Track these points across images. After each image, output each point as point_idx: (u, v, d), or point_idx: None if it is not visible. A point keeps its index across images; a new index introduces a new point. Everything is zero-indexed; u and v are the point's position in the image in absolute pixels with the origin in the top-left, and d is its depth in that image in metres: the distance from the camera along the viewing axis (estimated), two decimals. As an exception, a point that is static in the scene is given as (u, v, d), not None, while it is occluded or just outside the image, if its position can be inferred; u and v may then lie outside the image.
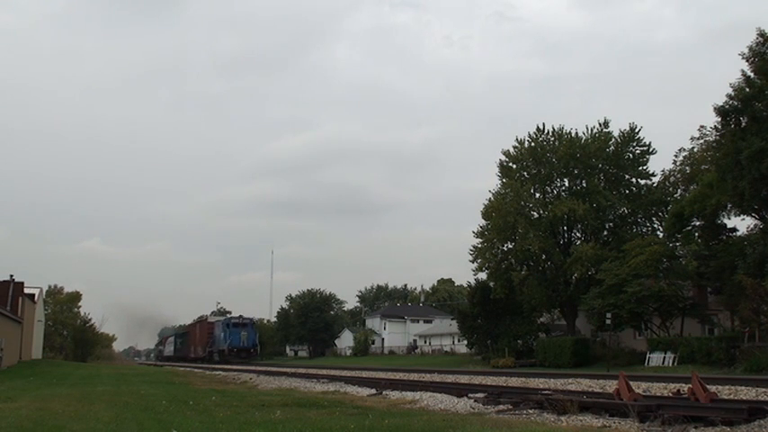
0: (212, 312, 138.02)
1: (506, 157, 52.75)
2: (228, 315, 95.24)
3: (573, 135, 51.07)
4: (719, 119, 34.91)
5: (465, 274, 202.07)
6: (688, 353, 34.78)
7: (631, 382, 11.00)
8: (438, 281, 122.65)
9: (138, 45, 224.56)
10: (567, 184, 52.31)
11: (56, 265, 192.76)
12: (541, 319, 57.15)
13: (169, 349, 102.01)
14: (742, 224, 60.65)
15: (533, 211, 51.44)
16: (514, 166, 52.43)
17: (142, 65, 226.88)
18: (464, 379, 20.27)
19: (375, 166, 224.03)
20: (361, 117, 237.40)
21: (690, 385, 10.38)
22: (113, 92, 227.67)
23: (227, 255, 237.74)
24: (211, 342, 72.05)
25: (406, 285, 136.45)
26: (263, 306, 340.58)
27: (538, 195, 52.24)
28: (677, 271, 40.38)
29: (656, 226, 50.04)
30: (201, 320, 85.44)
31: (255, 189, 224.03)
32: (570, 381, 16.12)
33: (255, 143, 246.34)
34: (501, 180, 52.69)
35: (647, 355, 37.40)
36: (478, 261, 52.24)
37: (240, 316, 73.25)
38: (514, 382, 17.63)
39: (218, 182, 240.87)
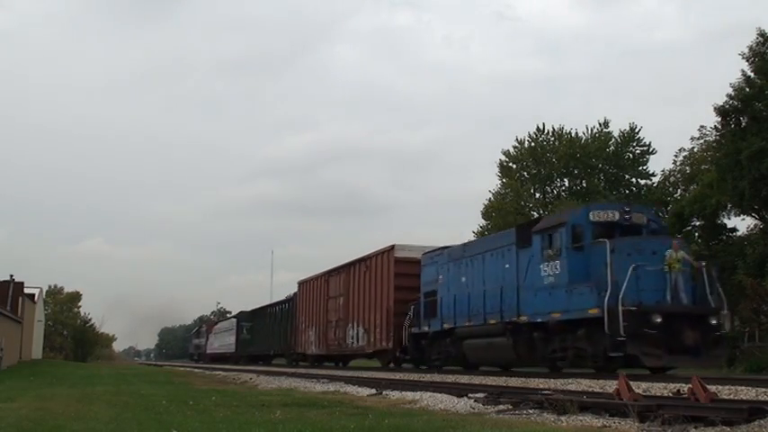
0: (211, 313, 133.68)
1: (506, 156, 52.86)
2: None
3: (573, 135, 51.18)
4: (719, 119, 34.90)
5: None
6: (688, 353, 34.75)
7: (631, 382, 10.98)
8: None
9: (138, 45, 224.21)
10: (567, 184, 52.40)
11: (56, 265, 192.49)
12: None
13: (225, 341, 60.01)
14: (742, 224, 60.35)
15: (533, 211, 51.46)
16: (514, 166, 52.55)
17: (143, 64, 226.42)
18: (464, 379, 20.23)
19: (375, 166, 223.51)
20: (361, 117, 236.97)
21: (690, 385, 10.36)
22: (114, 91, 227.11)
23: (228, 255, 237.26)
24: (437, 308, 24.07)
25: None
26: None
27: (538, 195, 52.33)
28: (677, 271, 40.36)
29: (656, 226, 50.06)
30: (370, 256, 29.84)
31: (256, 189, 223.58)
32: (570, 381, 16.09)
33: (256, 143, 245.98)
34: (501, 180, 52.80)
35: (647, 355, 37.35)
36: (478, 261, 52.28)
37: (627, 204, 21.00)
38: (514, 382, 17.58)
39: (218, 182, 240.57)
